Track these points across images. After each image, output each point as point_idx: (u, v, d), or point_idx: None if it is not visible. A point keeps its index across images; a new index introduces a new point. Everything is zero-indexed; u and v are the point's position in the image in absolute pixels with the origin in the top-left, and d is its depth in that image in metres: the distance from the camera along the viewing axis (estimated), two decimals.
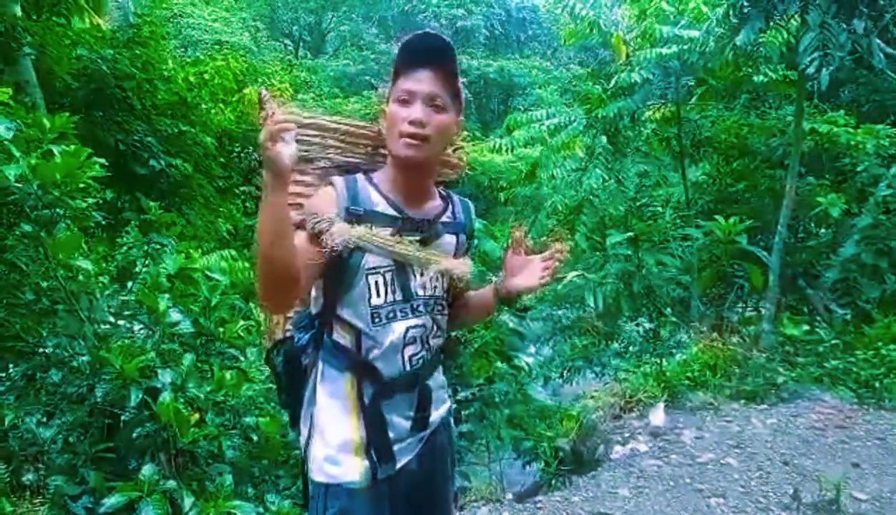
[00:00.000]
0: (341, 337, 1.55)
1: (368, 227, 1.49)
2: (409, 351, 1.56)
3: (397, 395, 1.58)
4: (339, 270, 1.50)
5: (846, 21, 5.32)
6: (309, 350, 1.59)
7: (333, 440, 1.54)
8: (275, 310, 1.60)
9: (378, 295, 1.52)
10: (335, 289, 1.53)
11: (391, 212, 1.54)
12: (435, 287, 1.60)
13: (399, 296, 1.55)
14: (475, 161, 15.75)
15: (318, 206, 1.49)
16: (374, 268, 1.51)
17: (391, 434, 1.57)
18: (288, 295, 1.44)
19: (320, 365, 1.57)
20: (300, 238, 1.44)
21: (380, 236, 1.50)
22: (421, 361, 1.59)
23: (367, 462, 1.53)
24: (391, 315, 1.54)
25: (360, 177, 1.57)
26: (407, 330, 1.55)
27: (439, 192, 1.67)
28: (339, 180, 1.54)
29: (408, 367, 1.57)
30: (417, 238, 1.56)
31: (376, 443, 1.54)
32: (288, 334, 1.66)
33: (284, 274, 1.37)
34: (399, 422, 1.59)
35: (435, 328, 1.62)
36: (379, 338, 1.53)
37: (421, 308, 1.57)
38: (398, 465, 1.58)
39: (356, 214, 1.50)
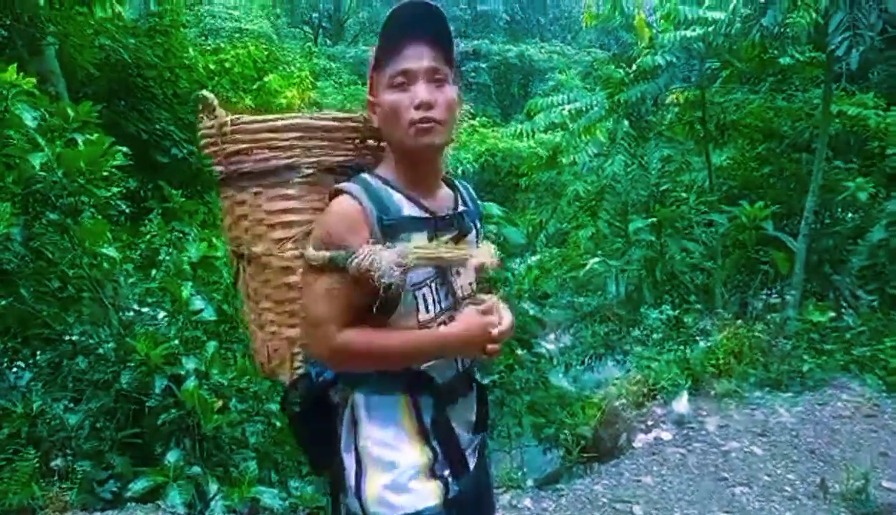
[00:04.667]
0: None
1: (407, 238, 1.32)
2: None
3: (460, 400, 1.46)
4: (382, 297, 1.30)
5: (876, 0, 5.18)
6: (339, 384, 1.43)
7: (396, 468, 1.36)
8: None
9: (427, 310, 1.37)
10: (377, 315, 1.33)
11: (420, 213, 1.36)
12: (471, 283, 1.49)
13: (447, 303, 1.41)
14: (495, 146, 15.65)
15: (343, 230, 1.27)
16: (419, 283, 1.35)
17: (462, 443, 1.44)
18: None
19: (360, 395, 1.40)
20: (334, 282, 1.27)
21: (428, 247, 1.33)
22: (469, 360, 1.49)
23: (439, 482, 1.38)
24: (441, 326, 1.39)
25: (368, 177, 1.36)
26: None
27: (443, 178, 1.51)
28: (354, 187, 1.31)
29: (460, 368, 1.46)
30: (451, 236, 1.40)
31: (449, 457, 1.40)
32: (300, 371, 1.46)
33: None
34: (463, 429, 1.47)
35: None
36: None
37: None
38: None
39: (391, 226, 1.30)
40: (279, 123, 1.39)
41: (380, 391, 1.38)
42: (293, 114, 1.41)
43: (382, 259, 1.23)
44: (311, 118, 1.41)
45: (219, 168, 1.47)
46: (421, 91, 1.30)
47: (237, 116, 1.43)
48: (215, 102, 1.44)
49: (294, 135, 1.38)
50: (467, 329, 1.33)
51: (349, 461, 1.40)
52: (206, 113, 1.46)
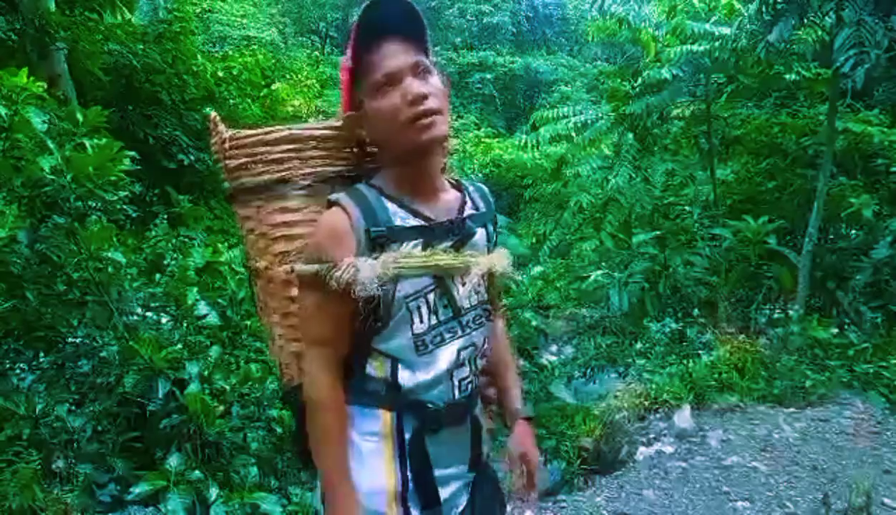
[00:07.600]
0: (374, 369, 1.32)
1: (397, 249, 1.25)
2: (458, 375, 1.35)
3: (445, 430, 1.35)
4: (371, 308, 1.25)
5: (883, 18, 5.20)
6: None
7: (362, 487, 1.31)
8: None
9: (421, 321, 1.29)
10: (367, 327, 1.29)
11: (414, 221, 1.29)
12: (479, 293, 1.38)
13: (446, 315, 1.32)
14: (500, 157, 15.70)
15: (330, 243, 1.23)
16: (413, 294, 1.28)
17: (437, 475, 1.34)
18: None
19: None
20: (322, 297, 1.24)
21: (415, 257, 1.27)
22: (470, 387, 1.38)
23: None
24: (438, 339, 1.32)
25: (363, 187, 1.31)
26: (458, 352, 1.34)
27: (448, 181, 1.42)
28: (345, 198, 1.26)
29: (457, 395, 1.35)
30: (450, 243, 1.32)
31: (420, 488, 1.32)
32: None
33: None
34: (447, 463, 1.37)
35: (483, 345, 1.42)
36: (425, 367, 1.31)
37: (471, 322, 1.36)
38: None
39: (380, 236, 1.24)
40: (270, 136, 1.35)
41: (364, 402, 1.33)
42: (284, 126, 1.37)
43: (362, 271, 1.20)
44: (302, 129, 1.36)
45: (226, 184, 1.46)
46: (412, 86, 1.23)
47: (236, 132, 1.41)
48: (217, 119, 1.43)
49: (286, 147, 1.34)
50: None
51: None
52: (212, 130, 1.44)
